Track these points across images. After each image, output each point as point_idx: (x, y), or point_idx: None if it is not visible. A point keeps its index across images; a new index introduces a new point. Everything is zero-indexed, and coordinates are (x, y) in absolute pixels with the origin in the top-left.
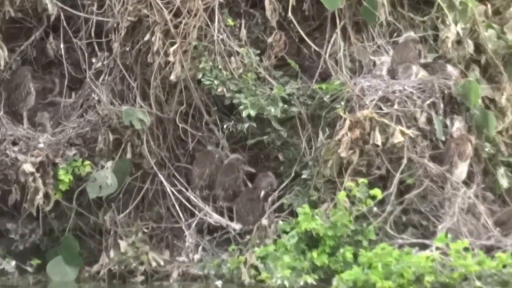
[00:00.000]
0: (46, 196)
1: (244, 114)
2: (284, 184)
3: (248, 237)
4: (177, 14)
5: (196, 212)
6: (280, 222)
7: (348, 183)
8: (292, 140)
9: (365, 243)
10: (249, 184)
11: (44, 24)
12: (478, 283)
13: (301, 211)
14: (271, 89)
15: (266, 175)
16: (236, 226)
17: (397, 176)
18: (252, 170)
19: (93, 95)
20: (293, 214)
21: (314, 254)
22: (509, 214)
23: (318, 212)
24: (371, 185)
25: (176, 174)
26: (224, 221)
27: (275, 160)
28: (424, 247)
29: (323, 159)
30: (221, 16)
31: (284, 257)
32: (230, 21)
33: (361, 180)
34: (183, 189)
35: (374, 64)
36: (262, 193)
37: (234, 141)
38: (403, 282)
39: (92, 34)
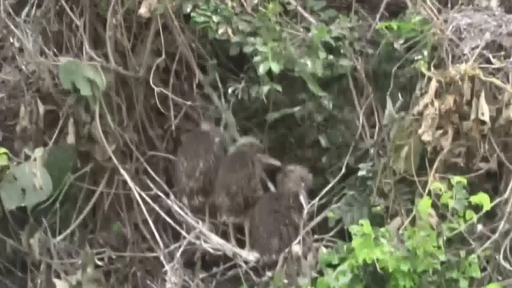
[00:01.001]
0: None
1: (261, 70)
2: (329, 186)
3: (269, 273)
4: None
5: (183, 233)
6: (323, 249)
7: (435, 184)
8: (341, 114)
9: (463, 283)
10: (271, 187)
11: None
12: None
13: (357, 230)
14: (307, 29)
15: (298, 171)
16: (250, 256)
17: None
18: (276, 162)
19: (10, 39)
20: (344, 235)
21: None
22: None
23: (386, 232)
24: (473, 188)
25: (149, 169)
26: (229, 247)
27: (314, 146)
28: None
29: (393, 145)
30: None
31: None
32: None
33: (456, 179)
34: (161, 195)
35: None
36: (292, 200)
37: (246, 116)
38: None
39: None
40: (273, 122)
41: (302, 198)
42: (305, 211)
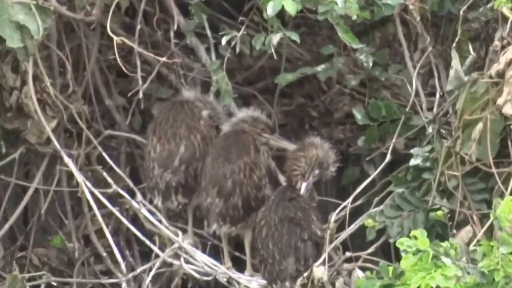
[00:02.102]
0: None
1: (270, 11)
2: (367, 181)
3: None
4: None
5: (155, 249)
6: (358, 273)
7: None
8: (385, 75)
9: None
10: (282, 179)
11: None
12: None
13: (408, 245)
14: None
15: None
16: (253, 283)
17: None
18: (291, 146)
19: None
20: (389, 252)
21: None
22: None
23: (450, 248)
24: None
25: (106, 156)
26: (222, 270)
27: (346, 122)
28: None
29: (461, 122)
30: None
31: None
32: None
33: None
34: (124, 194)
35: None
36: (312, 199)
37: (247, 79)
38: None
39: None
40: (286, 87)
41: (304, 186)
42: (333, 217)
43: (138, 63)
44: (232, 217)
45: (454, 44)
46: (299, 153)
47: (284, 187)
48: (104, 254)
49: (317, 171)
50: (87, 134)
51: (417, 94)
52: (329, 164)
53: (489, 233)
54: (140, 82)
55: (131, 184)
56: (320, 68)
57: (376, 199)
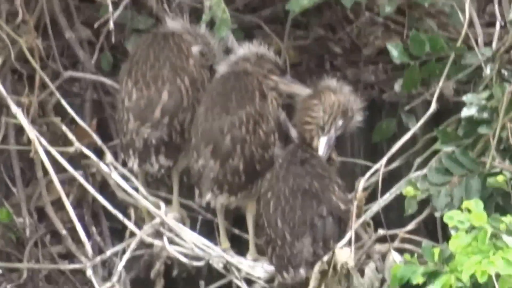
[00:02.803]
0: None
1: None
2: (406, 136)
3: None
4: None
5: (130, 226)
6: (394, 256)
7: None
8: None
9: None
10: (295, 135)
11: None
12: None
13: (459, 221)
14: None
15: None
16: (257, 270)
17: None
18: (305, 91)
19: None
20: (434, 230)
21: None
22: None
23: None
24: None
25: (66, 105)
26: (217, 253)
27: (377, 61)
28: None
29: None
30: None
31: None
32: None
33: None
34: (89, 154)
35: None
36: (332, 160)
37: (249, 3)
38: None
39: None
40: (301, 15)
41: (322, 143)
42: (361, 182)
43: None
44: (231, 184)
45: None
46: (312, 100)
47: (294, 145)
48: (64, 232)
49: (340, 122)
50: (41, 76)
51: (471, 24)
52: (354, 113)
53: None
54: (111, 8)
55: (99, 141)
56: None
57: (418, 160)
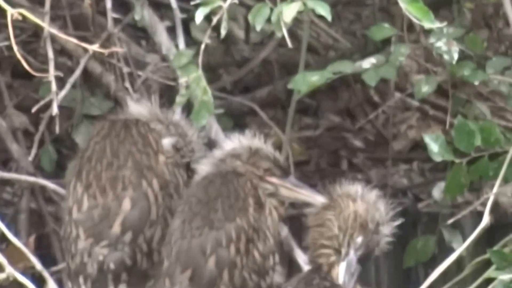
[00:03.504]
0: None
1: None
2: (449, 260)
3: None
4: None
5: None
6: None
7: None
8: (479, 73)
9: None
10: (302, 258)
11: None
12: None
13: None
14: None
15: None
16: None
17: None
18: (318, 199)
19: None
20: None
21: None
22: None
23: None
24: None
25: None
26: None
27: (412, 154)
28: None
29: None
30: None
31: None
32: None
33: None
34: (25, 282)
35: None
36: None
37: (240, 82)
38: None
39: None
40: (309, 98)
41: (342, 270)
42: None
43: (51, 53)
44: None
45: None
46: (327, 212)
47: (308, 272)
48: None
49: (359, 239)
50: None
51: None
52: (380, 226)
53: None
54: (54, 86)
55: (39, 266)
56: (367, 63)
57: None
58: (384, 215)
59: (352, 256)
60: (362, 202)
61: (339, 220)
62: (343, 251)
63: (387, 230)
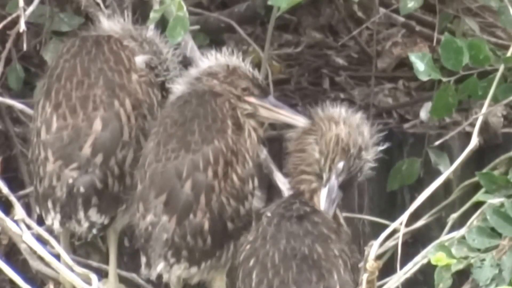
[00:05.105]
0: None
1: None
2: (436, 184)
3: None
4: None
5: None
6: None
7: None
8: None
9: None
10: (282, 181)
11: None
12: None
13: None
14: None
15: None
16: None
17: None
18: (296, 118)
19: None
20: None
21: None
22: None
23: None
24: None
25: None
26: None
27: (397, 73)
28: None
29: None
30: None
31: None
32: None
33: None
34: None
35: None
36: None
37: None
38: None
39: None
40: (289, 13)
41: (324, 195)
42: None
43: None
44: (191, 249)
45: None
46: (308, 135)
47: (288, 197)
48: None
49: (340, 165)
50: None
51: None
52: (362, 150)
53: None
54: (22, 2)
55: (5, 189)
56: None
57: (453, 216)
58: (368, 140)
59: (334, 181)
60: (345, 125)
61: (320, 144)
62: (325, 176)
63: (370, 156)
